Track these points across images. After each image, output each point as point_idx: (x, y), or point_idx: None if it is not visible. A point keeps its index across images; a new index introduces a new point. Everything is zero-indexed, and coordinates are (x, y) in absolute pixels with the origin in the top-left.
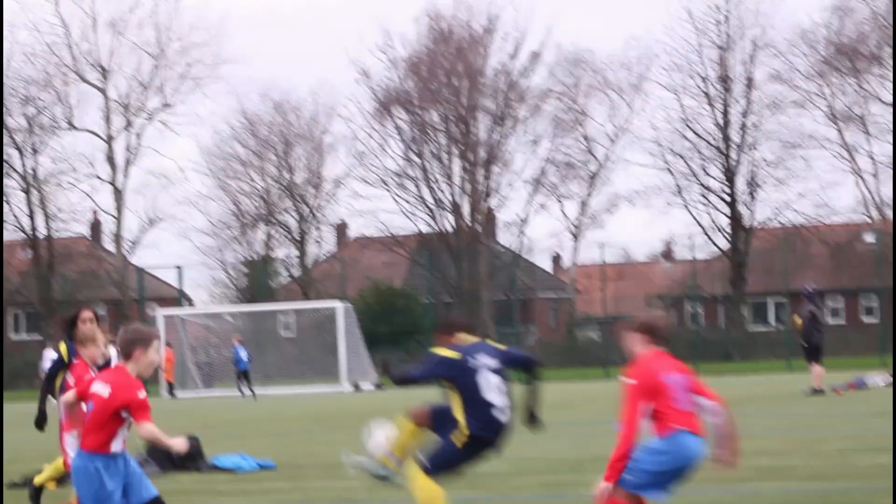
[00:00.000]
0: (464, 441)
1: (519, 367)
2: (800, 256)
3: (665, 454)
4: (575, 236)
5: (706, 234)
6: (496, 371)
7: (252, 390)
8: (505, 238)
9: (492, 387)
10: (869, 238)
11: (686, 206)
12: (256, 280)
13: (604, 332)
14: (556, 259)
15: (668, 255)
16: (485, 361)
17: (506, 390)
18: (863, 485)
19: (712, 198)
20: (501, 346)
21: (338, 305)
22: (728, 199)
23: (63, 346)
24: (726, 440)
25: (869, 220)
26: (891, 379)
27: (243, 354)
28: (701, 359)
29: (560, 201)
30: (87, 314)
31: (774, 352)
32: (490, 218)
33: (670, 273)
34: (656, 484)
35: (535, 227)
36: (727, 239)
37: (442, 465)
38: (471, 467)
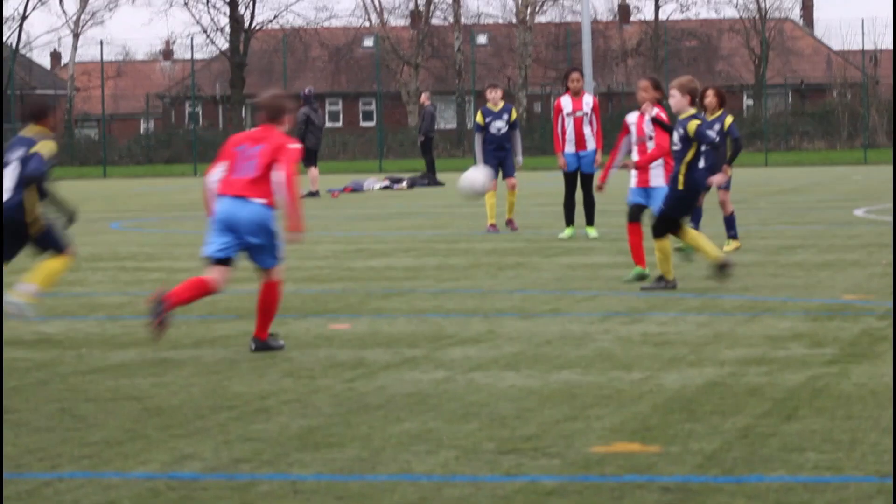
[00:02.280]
0: None
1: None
2: (299, 59)
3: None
4: (74, 33)
5: (206, 33)
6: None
7: None
8: (3, 34)
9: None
10: (368, 42)
11: (186, 6)
12: None
13: (102, 131)
14: (56, 56)
15: (168, 54)
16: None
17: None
18: (357, 286)
19: None
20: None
21: None
22: None
23: None
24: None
25: (367, 25)
26: (387, 183)
27: None
28: (200, 160)
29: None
30: None
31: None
32: None
33: (170, 72)
34: None
35: (34, 23)
36: (227, 39)
37: None
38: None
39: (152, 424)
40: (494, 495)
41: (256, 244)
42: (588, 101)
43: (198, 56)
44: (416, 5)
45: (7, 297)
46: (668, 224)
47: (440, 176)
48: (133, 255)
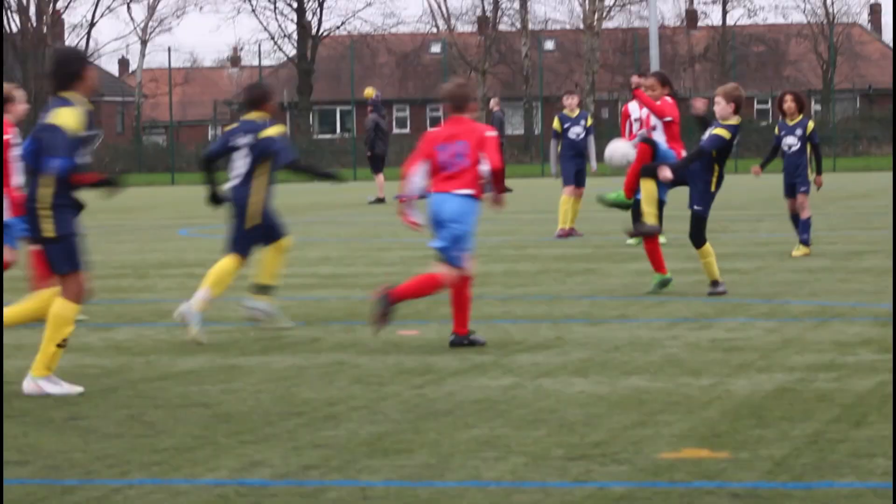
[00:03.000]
0: None
1: None
2: (366, 65)
3: None
4: (142, 40)
5: (273, 40)
6: None
7: None
8: (72, 41)
9: None
10: (435, 48)
11: (254, 12)
12: None
13: (170, 138)
14: (123, 63)
15: (235, 61)
16: None
17: None
18: None
19: (280, 4)
20: None
21: None
22: (296, 5)
23: None
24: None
25: (435, 31)
26: None
27: None
28: None
29: (128, 4)
30: None
31: (340, 160)
32: (56, 20)
33: (237, 79)
34: None
35: (102, 31)
36: (294, 46)
37: None
38: None
39: (221, 431)
40: (563, 502)
41: (456, 233)
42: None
43: (265, 63)
44: (484, 11)
45: (249, 301)
46: (703, 226)
47: (507, 182)
48: (201, 262)
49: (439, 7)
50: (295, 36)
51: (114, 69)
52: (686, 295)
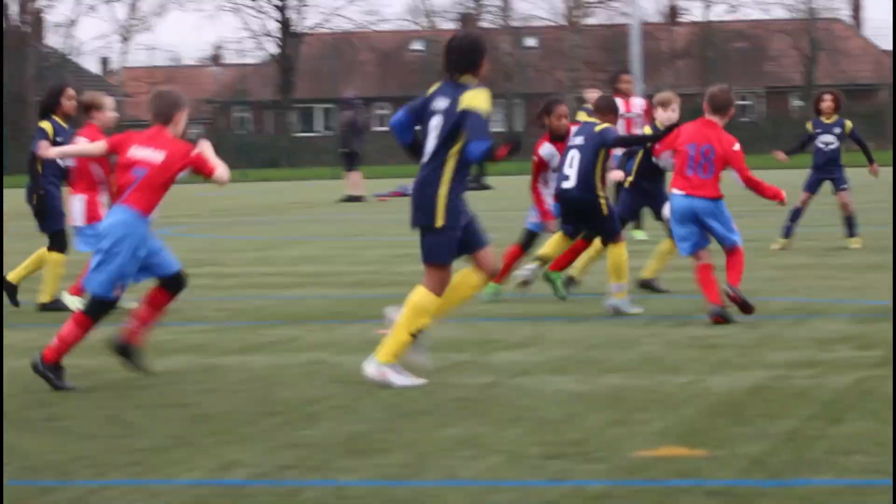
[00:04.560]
0: None
1: None
2: (348, 63)
3: None
4: (124, 38)
5: (256, 38)
6: None
7: None
8: (53, 40)
9: None
10: (417, 45)
11: (236, 11)
12: None
13: None
14: (105, 62)
15: (217, 59)
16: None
17: None
18: (403, 291)
19: (262, 2)
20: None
21: None
22: (278, 3)
23: (47, 125)
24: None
25: (418, 28)
26: None
27: None
28: (248, 164)
29: (109, 3)
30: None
31: (320, 158)
32: (38, 19)
33: (219, 77)
34: None
35: (83, 29)
36: (277, 44)
37: None
38: None
39: (199, 431)
40: (541, 500)
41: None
42: (639, 102)
43: (247, 61)
44: (466, 8)
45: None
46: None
47: (490, 180)
48: (186, 261)
49: (421, 3)
50: (277, 34)
51: (95, 68)
52: (665, 293)
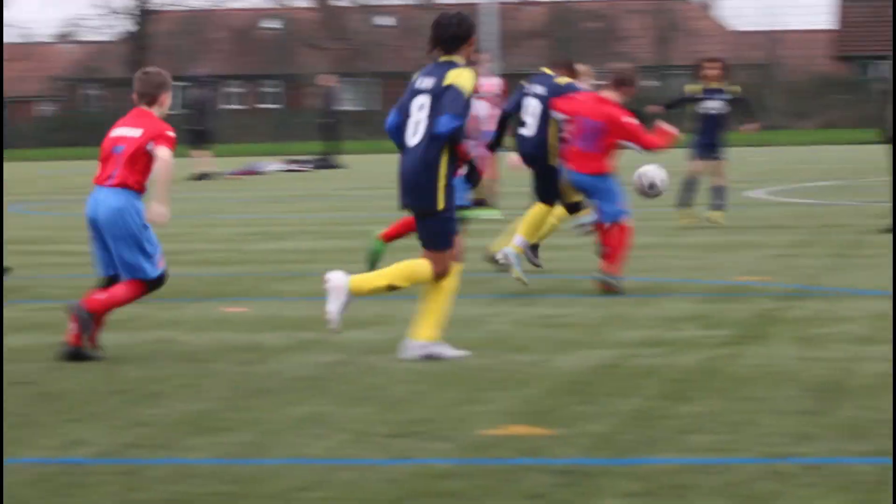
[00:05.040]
0: None
1: None
2: (201, 41)
3: None
4: None
5: (110, 15)
6: None
7: None
8: None
9: None
10: (271, 23)
11: None
12: None
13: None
14: None
15: (69, 35)
16: None
17: None
18: (252, 269)
19: None
20: None
21: None
22: None
23: None
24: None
25: (271, 5)
26: (285, 166)
27: None
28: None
29: None
30: None
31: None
32: None
33: (71, 54)
34: None
35: None
36: (132, 21)
37: None
38: None
39: (44, 410)
40: (386, 478)
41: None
42: (496, 82)
43: (100, 38)
44: None
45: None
46: None
47: (347, 158)
48: (33, 239)
49: None
50: (133, 11)
51: None
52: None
